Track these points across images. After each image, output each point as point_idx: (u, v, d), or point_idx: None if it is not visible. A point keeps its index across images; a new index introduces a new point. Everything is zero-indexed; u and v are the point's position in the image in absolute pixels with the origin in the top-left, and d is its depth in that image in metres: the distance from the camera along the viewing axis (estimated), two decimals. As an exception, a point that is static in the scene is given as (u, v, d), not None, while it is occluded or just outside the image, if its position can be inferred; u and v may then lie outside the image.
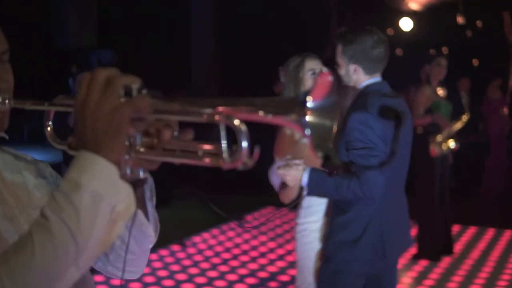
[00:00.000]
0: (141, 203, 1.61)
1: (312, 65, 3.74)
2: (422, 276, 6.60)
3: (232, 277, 6.53)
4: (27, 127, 10.88)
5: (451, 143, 6.79)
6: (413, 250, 7.12)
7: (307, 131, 1.24)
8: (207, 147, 1.34)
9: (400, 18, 12.54)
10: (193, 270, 6.71)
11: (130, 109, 1.29)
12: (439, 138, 6.75)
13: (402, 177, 3.52)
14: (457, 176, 8.93)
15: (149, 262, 6.84)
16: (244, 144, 1.25)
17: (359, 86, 3.44)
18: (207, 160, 1.32)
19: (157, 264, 6.86)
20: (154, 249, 7.19)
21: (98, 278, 6.37)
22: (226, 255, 7.23)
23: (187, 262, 6.97)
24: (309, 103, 1.25)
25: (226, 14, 11.80)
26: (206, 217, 8.53)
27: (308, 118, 1.25)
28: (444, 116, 6.85)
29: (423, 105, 6.81)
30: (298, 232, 3.84)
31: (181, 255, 7.23)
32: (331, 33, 14.09)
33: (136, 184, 1.48)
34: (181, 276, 6.52)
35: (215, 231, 8.20)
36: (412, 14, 12.46)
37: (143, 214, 1.60)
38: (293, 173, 3.36)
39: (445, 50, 13.40)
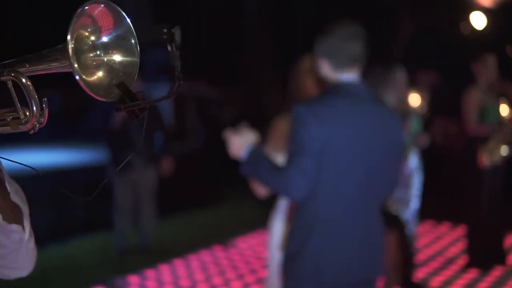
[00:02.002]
0: None
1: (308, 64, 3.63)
2: (471, 286, 6.25)
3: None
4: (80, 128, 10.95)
5: (503, 150, 6.32)
6: (464, 259, 6.79)
7: (77, 76, 1.19)
8: (8, 112, 1.31)
9: (473, 15, 12.05)
10: (231, 274, 6.55)
11: None
12: (489, 146, 6.30)
13: (370, 192, 3.08)
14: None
15: (188, 263, 6.76)
16: (33, 100, 1.22)
17: (330, 81, 3.14)
18: (10, 126, 1.30)
19: (195, 266, 6.75)
20: (194, 250, 7.14)
21: (134, 279, 6.33)
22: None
23: (226, 265, 6.82)
24: (71, 44, 1.19)
25: (279, 6, 11.58)
26: (253, 219, 8.38)
27: (74, 59, 1.19)
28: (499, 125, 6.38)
29: (473, 111, 6.37)
30: (268, 234, 3.76)
31: (221, 256, 7.10)
32: (400, 31, 13.75)
33: None
34: (217, 280, 6.38)
35: (259, 233, 8.02)
36: (485, 11, 11.95)
37: None
38: (237, 141, 3.16)
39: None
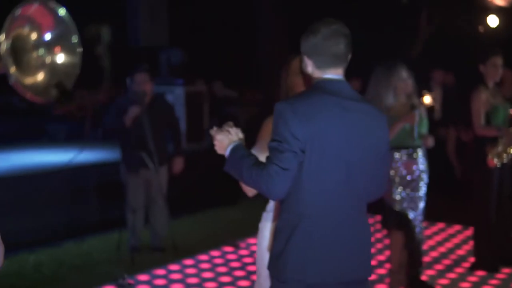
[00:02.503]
0: None
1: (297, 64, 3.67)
2: (476, 287, 6.29)
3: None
4: (87, 127, 11.01)
5: (512, 151, 6.36)
6: (470, 260, 6.84)
7: (12, 78, 1.24)
8: None
9: (488, 15, 12.05)
10: (239, 273, 6.64)
11: None
12: (498, 148, 6.33)
13: (355, 190, 3.11)
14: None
15: (197, 263, 6.85)
16: None
17: (315, 80, 3.18)
18: None
19: (205, 265, 6.85)
20: (205, 250, 7.23)
21: (142, 277, 6.43)
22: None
23: (235, 264, 6.91)
24: (3, 44, 1.21)
25: (293, 11, 11.61)
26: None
27: (10, 62, 1.23)
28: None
29: (481, 112, 6.40)
30: (258, 237, 3.79)
31: (232, 256, 7.18)
32: (419, 31, 13.75)
33: None
34: (225, 279, 6.47)
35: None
36: (500, 10, 11.93)
37: None
38: (221, 138, 3.22)
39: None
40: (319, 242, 3.05)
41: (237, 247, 7.48)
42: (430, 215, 6.39)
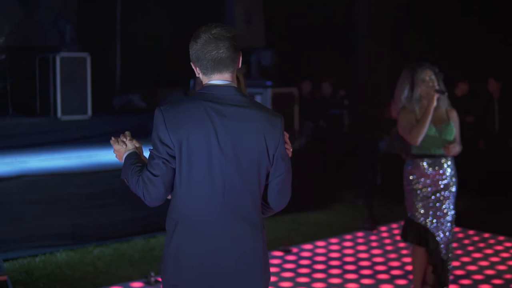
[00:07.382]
0: None
1: None
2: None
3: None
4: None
5: None
6: None
7: None
8: None
9: None
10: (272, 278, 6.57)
11: None
12: None
13: (233, 196, 3.04)
14: None
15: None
16: None
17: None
18: None
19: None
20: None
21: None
22: (320, 268, 6.98)
23: (274, 270, 6.85)
24: None
25: (394, 14, 11.20)
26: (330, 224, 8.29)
27: None
28: None
29: None
30: None
31: (275, 261, 7.10)
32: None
33: None
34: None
35: (333, 240, 7.90)
36: None
37: None
38: (118, 148, 3.32)
39: None
40: (191, 250, 3.03)
41: (288, 252, 7.38)
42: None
